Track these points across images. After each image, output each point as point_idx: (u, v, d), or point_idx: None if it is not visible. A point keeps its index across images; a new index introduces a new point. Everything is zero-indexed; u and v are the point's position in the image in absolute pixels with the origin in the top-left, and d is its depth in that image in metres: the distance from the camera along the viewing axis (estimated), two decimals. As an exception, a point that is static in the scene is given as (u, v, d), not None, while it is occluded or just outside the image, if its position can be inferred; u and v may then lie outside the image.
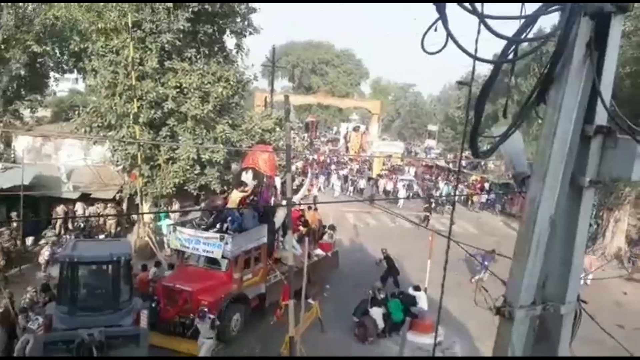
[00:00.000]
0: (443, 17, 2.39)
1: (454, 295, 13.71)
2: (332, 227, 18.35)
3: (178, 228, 13.23)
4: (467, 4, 2.28)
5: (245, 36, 21.12)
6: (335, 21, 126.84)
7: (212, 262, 13.03)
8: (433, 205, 28.48)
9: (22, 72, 24.22)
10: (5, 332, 10.75)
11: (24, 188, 16.08)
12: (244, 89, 21.24)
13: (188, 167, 17.85)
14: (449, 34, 2.41)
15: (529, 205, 2.77)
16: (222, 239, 12.50)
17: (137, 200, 18.38)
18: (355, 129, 51.12)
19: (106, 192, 19.79)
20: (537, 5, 2.62)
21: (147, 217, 18.45)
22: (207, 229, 13.11)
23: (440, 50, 2.55)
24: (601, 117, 2.70)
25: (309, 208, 17.84)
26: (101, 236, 18.16)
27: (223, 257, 12.68)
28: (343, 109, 62.55)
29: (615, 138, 2.65)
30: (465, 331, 13.94)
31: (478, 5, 2.38)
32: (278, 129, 21.30)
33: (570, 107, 2.65)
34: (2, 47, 22.22)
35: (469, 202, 32.80)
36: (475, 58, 2.47)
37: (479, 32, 2.65)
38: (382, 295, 14.09)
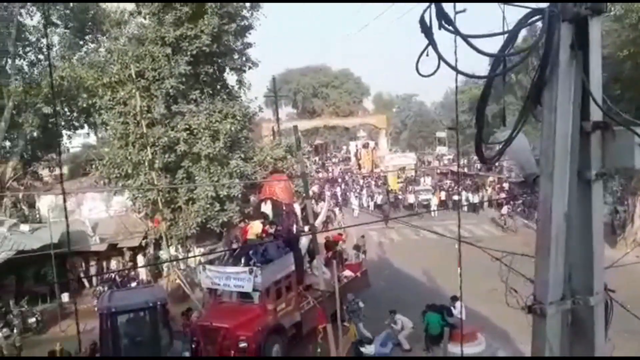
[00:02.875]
0: (432, 42, 2.56)
1: (489, 301, 13.55)
2: (357, 247, 18.35)
3: (207, 267, 13.43)
4: (450, 27, 2.45)
5: (245, 71, 21.68)
6: (328, 43, 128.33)
7: (244, 296, 13.13)
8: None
9: (36, 134, 25.03)
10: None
11: (53, 246, 16.48)
12: (250, 122, 21.67)
13: (208, 206, 18.16)
14: (440, 57, 2.58)
15: (542, 205, 2.89)
16: (251, 272, 12.60)
17: (163, 244, 18.72)
18: (365, 146, 51.31)
19: (132, 240, 20.17)
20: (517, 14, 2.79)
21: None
22: (234, 265, 13.28)
23: (434, 73, 2.72)
24: (597, 112, 2.84)
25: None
26: (133, 284, 18.46)
27: (254, 290, 12.80)
28: (350, 128, 62.81)
29: (612, 131, 2.78)
30: (506, 336, 13.74)
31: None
32: (289, 156, 21.60)
33: (565, 107, 2.80)
34: (14, 112, 23.07)
35: (495, 206, 31.91)
36: (467, 75, 2.65)
37: (458, 47, 2.82)
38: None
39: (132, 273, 19.65)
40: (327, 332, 9.04)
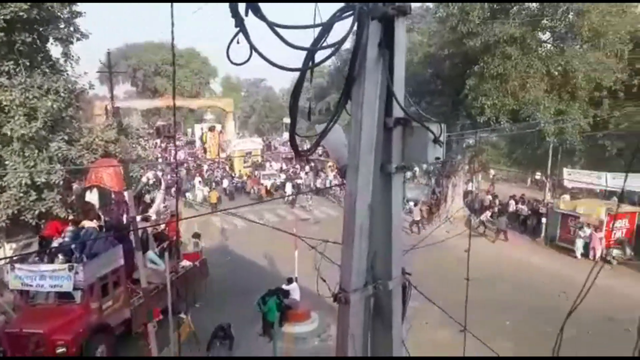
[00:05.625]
0: (243, 30, 2.41)
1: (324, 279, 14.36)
2: (197, 235, 17.85)
3: (16, 265, 11.69)
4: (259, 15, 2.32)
5: (72, 42, 19.18)
6: (172, 19, 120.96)
7: (64, 296, 11.81)
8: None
9: None
10: None
11: None
12: (78, 99, 19.40)
13: (22, 195, 15.75)
14: (252, 46, 2.45)
15: (348, 196, 2.96)
16: (71, 268, 11.39)
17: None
18: (211, 129, 50.02)
19: None
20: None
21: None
22: (50, 261, 11.81)
23: (245, 62, 2.59)
24: (399, 109, 2.99)
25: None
26: None
27: (76, 288, 11.61)
28: (195, 110, 60.70)
29: (411, 127, 2.95)
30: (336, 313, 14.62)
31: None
32: (124, 138, 20.03)
33: (371, 103, 2.89)
34: None
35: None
36: (277, 66, 2.56)
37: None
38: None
39: None
40: (148, 329, 8.62)
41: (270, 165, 42.49)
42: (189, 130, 66.47)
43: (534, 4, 21.28)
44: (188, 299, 15.09)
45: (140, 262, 10.03)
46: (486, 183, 33.46)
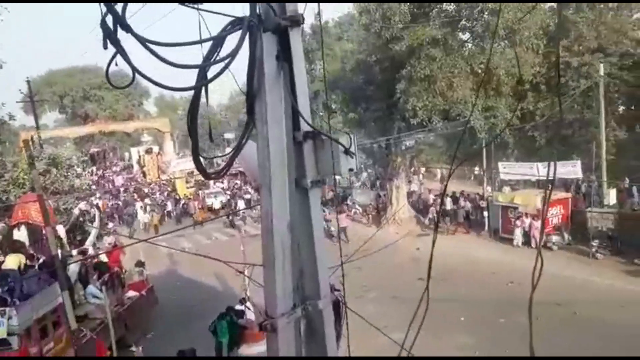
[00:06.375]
0: (120, 50, 2.25)
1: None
2: (140, 264, 17.18)
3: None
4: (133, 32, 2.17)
5: (-16, 74, 18.19)
6: (95, 42, 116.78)
7: (-1, 344, 10.97)
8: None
9: None
10: None
11: None
12: (-1, 132, 18.36)
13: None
14: (133, 68, 2.29)
15: (264, 216, 2.83)
16: (3, 314, 10.56)
17: None
18: (148, 152, 48.54)
19: None
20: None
21: None
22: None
23: (129, 85, 2.42)
24: (309, 120, 2.90)
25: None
26: None
27: (10, 334, 10.77)
28: (131, 133, 58.53)
29: (322, 140, 2.86)
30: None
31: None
32: (54, 169, 19.08)
33: (277, 118, 2.78)
34: None
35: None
36: (167, 87, 2.42)
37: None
38: None
39: None
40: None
41: (215, 184, 41.42)
42: (126, 154, 64.09)
43: (452, 6, 21.79)
44: (138, 330, 14.49)
45: (67, 301, 9.44)
46: (430, 182, 34.29)
